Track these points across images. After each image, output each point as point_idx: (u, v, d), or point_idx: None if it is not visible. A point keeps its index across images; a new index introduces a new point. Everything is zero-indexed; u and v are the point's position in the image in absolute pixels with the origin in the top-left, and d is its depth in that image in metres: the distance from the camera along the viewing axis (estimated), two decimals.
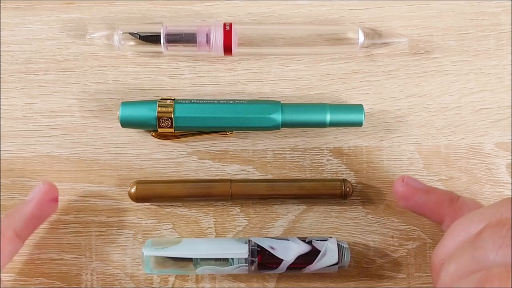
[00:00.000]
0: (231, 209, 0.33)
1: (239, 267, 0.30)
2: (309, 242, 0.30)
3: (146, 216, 0.32)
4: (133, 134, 0.33)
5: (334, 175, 0.33)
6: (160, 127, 0.31)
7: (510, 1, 0.33)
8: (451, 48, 0.33)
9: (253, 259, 0.30)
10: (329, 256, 0.30)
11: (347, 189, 0.31)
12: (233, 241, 0.31)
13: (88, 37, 0.32)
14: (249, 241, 0.30)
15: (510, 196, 0.24)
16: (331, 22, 0.33)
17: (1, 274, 0.26)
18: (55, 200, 0.31)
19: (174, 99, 0.31)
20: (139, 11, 0.33)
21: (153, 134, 0.32)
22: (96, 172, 0.32)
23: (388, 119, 0.33)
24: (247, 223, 0.32)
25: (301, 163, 0.33)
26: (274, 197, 0.32)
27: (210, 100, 0.31)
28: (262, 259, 0.30)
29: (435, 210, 0.28)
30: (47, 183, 0.31)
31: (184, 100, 0.31)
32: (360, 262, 0.32)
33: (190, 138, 0.32)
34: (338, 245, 0.30)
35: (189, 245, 0.30)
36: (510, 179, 0.33)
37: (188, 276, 0.32)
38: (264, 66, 0.33)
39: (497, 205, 0.23)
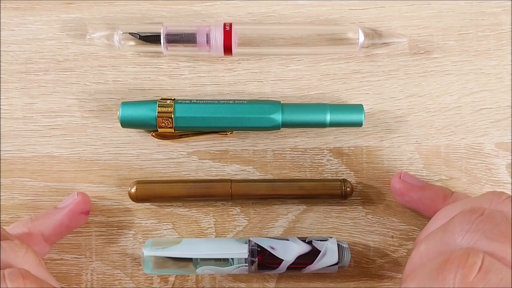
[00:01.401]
0: (231, 209, 0.33)
1: (239, 267, 0.30)
2: (309, 242, 0.30)
3: (146, 216, 0.32)
4: (133, 134, 0.33)
5: (334, 175, 0.33)
6: (160, 127, 0.31)
7: (510, 1, 0.33)
8: (451, 48, 0.33)
9: (253, 259, 0.30)
10: (329, 256, 0.30)
11: (347, 189, 0.31)
12: (233, 241, 0.31)
13: (88, 37, 0.32)
14: (249, 241, 0.30)
15: (498, 190, 0.24)
16: (331, 22, 0.33)
17: None
18: (87, 213, 0.31)
19: (174, 99, 0.31)
20: (139, 11, 0.33)
21: (153, 134, 0.32)
22: (96, 172, 0.32)
23: (388, 119, 0.33)
24: (247, 223, 0.32)
25: (301, 163, 0.33)
26: (274, 197, 0.32)
27: (210, 100, 0.31)
28: (262, 259, 0.30)
29: (429, 206, 0.30)
30: (82, 195, 0.31)
31: (184, 100, 0.31)
32: (360, 262, 0.32)
33: (190, 138, 0.32)
34: (338, 245, 0.30)
35: (189, 245, 0.30)
36: (510, 179, 0.33)
37: (188, 276, 0.32)
38: (264, 66, 0.33)
39: (481, 196, 0.24)
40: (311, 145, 0.33)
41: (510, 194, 0.23)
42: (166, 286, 0.32)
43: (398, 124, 0.33)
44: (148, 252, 0.30)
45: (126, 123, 0.31)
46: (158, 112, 0.30)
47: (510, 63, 0.33)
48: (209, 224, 0.32)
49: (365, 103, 0.32)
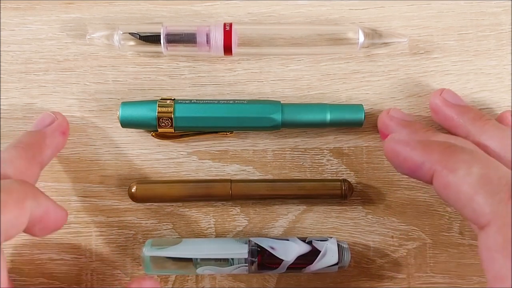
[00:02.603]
0: (231, 209, 0.33)
1: (239, 267, 0.30)
2: (309, 242, 0.30)
3: (146, 216, 0.32)
4: (133, 134, 0.33)
5: (334, 175, 0.33)
6: (160, 127, 0.31)
7: (510, 1, 0.33)
8: (451, 48, 0.33)
9: (253, 259, 0.30)
10: (329, 256, 0.30)
11: (347, 189, 0.31)
12: (233, 241, 0.31)
13: (88, 37, 0.32)
14: (249, 241, 0.30)
15: None
16: (331, 22, 0.33)
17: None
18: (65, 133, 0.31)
19: (174, 99, 0.31)
20: (139, 11, 0.33)
21: (153, 134, 0.32)
22: (96, 172, 0.32)
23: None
24: (247, 223, 0.32)
25: (301, 163, 0.33)
26: (274, 197, 0.32)
27: (210, 100, 0.31)
28: (262, 259, 0.30)
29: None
30: (60, 115, 0.31)
31: (184, 100, 0.31)
32: (360, 262, 0.32)
33: (190, 138, 0.32)
34: (338, 245, 0.30)
35: (189, 245, 0.30)
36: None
37: (188, 276, 0.32)
38: (264, 66, 0.33)
39: None
40: (311, 145, 0.33)
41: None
42: (166, 286, 0.32)
43: None
44: (148, 252, 0.30)
45: (126, 123, 0.31)
46: (158, 112, 0.30)
47: (510, 63, 0.33)
48: (209, 224, 0.32)
49: (365, 103, 0.32)
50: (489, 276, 0.22)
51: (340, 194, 0.31)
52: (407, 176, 0.32)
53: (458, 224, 0.32)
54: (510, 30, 0.33)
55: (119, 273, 0.32)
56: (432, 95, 0.31)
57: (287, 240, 0.31)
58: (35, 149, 0.28)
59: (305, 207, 0.33)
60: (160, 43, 0.31)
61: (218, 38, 0.31)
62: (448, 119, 0.30)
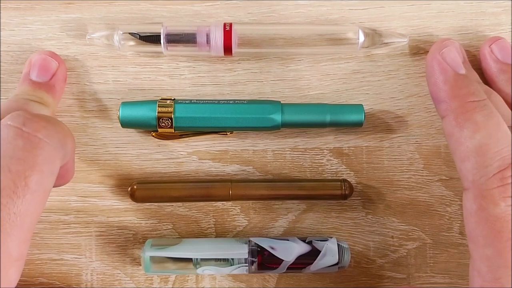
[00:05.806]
0: (231, 209, 0.33)
1: (239, 267, 0.30)
2: (309, 242, 0.30)
3: (146, 216, 0.32)
4: (133, 134, 0.33)
5: (334, 175, 0.33)
6: (160, 127, 0.31)
7: (510, 1, 0.33)
8: None
9: (253, 259, 0.30)
10: (329, 256, 0.30)
11: (347, 189, 0.31)
12: (233, 241, 0.31)
13: (88, 37, 0.32)
14: (249, 241, 0.30)
15: None
16: (331, 22, 0.33)
17: None
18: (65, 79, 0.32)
19: (174, 99, 0.31)
20: (139, 11, 0.33)
21: (153, 134, 0.32)
22: (96, 172, 0.32)
23: (388, 119, 0.33)
24: (247, 223, 0.32)
25: (301, 163, 0.33)
26: (274, 197, 0.32)
27: (210, 100, 0.31)
28: (262, 259, 0.30)
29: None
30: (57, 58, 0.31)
31: (184, 100, 0.31)
32: (360, 262, 0.32)
33: (190, 138, 0.32)
34: (338, 245, 0.30)
35: (189, 245, 0.30)
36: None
37: (188, 276, 0.32)
38: (264, 66, 0.33)
39: None
40: (311, 145, 0.33)
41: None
42: (166, 286, 0.32)
43: (398, 124, 0.33)
44: (148, 252, 0.30)
45: (126, 123, 0.31)
46: (158, 112, 0.30)
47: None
48: (209, 224, 0.32)
49: (365, 103, 0.32)
50: (466, 234, 0.25)
51: (340, 194, 0.31)
52: (407, 176, 0.32)
53: (458, 224, 0.32)
54: (510, 30, 0.33)
55: (119, 273, 0.32)
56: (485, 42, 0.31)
57: (287, 240, 0.31)
58: (54, 102, 0.30)
59: (305, 207, 0.33)
60: (160, 43, 0.31)
61: (218, 38, 0.31)
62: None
